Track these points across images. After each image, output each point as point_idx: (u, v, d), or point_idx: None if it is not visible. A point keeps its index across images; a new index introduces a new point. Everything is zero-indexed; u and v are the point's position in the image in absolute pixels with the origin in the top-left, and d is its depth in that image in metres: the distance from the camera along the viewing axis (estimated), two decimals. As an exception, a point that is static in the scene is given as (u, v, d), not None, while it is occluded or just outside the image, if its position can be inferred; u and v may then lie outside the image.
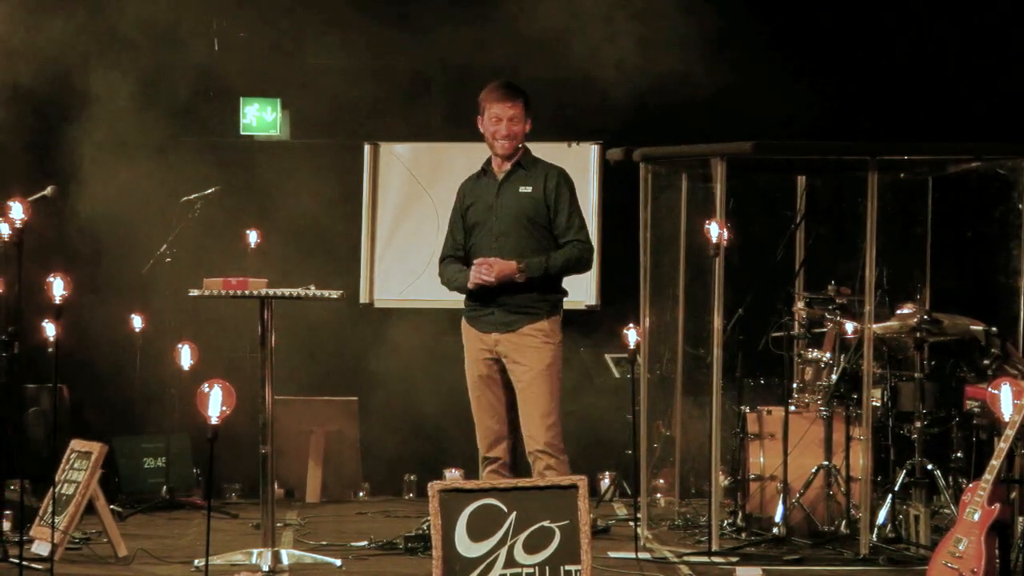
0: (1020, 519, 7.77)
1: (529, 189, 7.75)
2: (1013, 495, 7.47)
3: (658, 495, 10.40)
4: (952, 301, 9.56)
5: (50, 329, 7.83)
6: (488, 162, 7.90)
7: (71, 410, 10.53)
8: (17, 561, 7.54)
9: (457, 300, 7.93)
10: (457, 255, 7.88)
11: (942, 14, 11.18)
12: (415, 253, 8.91)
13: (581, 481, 6.53)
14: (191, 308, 10.40)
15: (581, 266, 7.81)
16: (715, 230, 8.59)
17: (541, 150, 7.99)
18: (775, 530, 8.84)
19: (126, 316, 10.50)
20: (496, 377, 7.76)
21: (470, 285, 7.68)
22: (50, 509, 8.00)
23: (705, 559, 8.45)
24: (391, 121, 11.28)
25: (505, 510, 6.45)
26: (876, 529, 8.69)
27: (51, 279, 7.24)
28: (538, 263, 7.64)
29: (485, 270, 7.62)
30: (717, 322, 8.71)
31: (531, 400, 7.65)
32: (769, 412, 9.27)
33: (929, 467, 8.80)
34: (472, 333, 7.79)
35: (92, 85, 10.80)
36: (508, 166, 7.81)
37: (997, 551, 7.01)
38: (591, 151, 9.98)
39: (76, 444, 8.45)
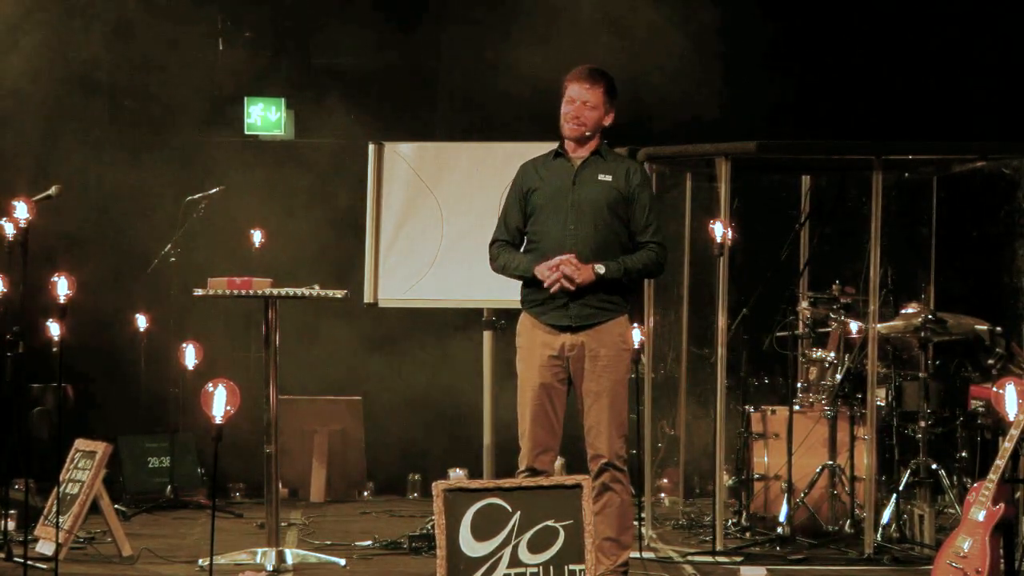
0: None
1: (609, 178, 7.08)
2: (1018, 495, 7.46)
3: (662, 494, 10.41)
4: (957, 300, 9.56)
5: (54, 328, 7.81)
6: (561, 147, 7.22)
7: (75, 409, 10.53)
8: (22, 561, 7.53)
9: (460, 299, 7.86)
10: (511, 241, 7.17)
11: (946, 13, 11.17)
12: (420, 253, 8.86)
13: (585, 481, 6.53)
14: (196, 308, 10.40)
15: (656, 271, 7.24)
16: (719, 229, 8.61)
17: (546, 150, 7.84)
18: (779, 530, 8.83)
19: (130, 316, 10.50)
20: (559, 386, 7.05)
21: (551, 288, 6.94)
22: (54, 509, 7.99)
23: (709, 559, 8.45)
24: (396, 121, 11.28)
25: (509, 510, 6.44)
26: (880, 529, 8.68)
27: (55, 278, 7.22)
28: (616, 267, 6.99)
29: (569, 271, 6.90)
30: (721, 321, 8.71)
31: (609, 409, 7.01)
32: (773, 412, 9.28)
33: (933, 467, 8.80)
34: (538, 331, 7.05)
35: (96, 85, 10.79)
36: (585, 153, 7.14)
37: (1001, 551, 7.01)
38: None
39: (80, 443, 8.45)
